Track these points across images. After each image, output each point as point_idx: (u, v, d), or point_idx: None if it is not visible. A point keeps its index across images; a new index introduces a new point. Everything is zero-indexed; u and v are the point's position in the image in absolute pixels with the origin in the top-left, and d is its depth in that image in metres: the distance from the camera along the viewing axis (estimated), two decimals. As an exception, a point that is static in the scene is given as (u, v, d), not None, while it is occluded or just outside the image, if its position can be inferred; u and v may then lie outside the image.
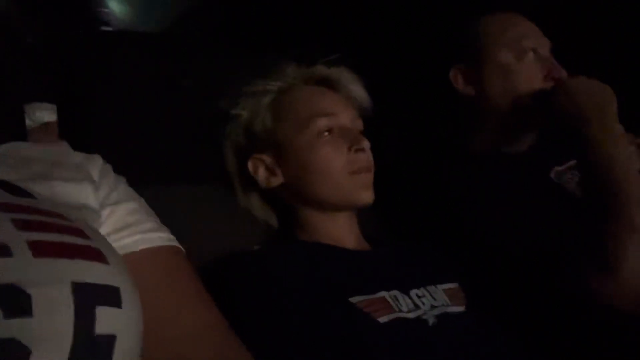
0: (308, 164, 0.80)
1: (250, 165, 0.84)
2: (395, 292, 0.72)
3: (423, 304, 0.72)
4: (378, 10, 1.28)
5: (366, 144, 0.81)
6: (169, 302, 0.53)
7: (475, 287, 0.81)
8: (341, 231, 0.82)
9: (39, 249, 0.37)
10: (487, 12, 1.00)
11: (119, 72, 0.84)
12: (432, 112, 1.12)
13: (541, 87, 0.93)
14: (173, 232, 0.59)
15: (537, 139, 1.01)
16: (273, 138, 0.83)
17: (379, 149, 0.85)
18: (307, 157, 0.80)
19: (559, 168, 0.96)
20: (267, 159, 0.83)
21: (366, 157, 0.81)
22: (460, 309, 0.76)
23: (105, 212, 0.54)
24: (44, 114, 1.11)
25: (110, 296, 0.39)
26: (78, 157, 0.58)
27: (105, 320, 0.37)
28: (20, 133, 0.80)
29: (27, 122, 0.89)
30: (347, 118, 0.83)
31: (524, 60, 0.95)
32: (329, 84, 0.86)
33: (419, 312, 0.71)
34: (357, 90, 0.87)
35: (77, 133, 0.78)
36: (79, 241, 0.40)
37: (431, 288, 0.76)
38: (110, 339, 0.38)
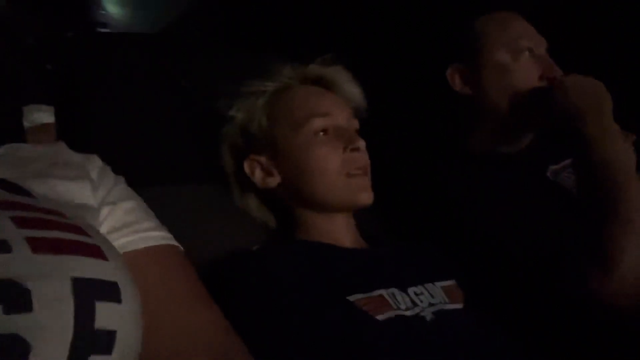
0: (304, 164, 0.80)
1: (246, 166, 0.84)
2: (393, 290, 0.72)
3: (421, 301, 0.72)
4: (375, 10, 1.29)
5: (362, 143, 0.81)
6: (168, 301, 0.53)
7: (473, 285, 0.81)
8: (339, 230, 0.82)
9: (38, 245, 0.37)
10: (484, 12, 1.01)
11: (118, 73, 0.84)
12: (429, 112, 1.12)
13: (537, 86, 0.94)
14: (172, 232, 0.59)
15: (533, 138, 1.01)
16: (269, 138, 0.83)
17: (375, 148, 0.85)
18: (303, 157, 0.80)
19: (555, 167, 0.97)
20: (264, 159, 0.83)
21: (362, 157, 0.81)
22: (458, 306, 0.76)
23: (104, 211, 0.54)
24: (41, 115, 1.12)
25: (110, 291, 0.39)
26: (77, 157, 0.59)
27: (105, 315, 0.38)
28: (18, 134, 0.80)
29: (25, 123, 0.89)
30: (342, 118, 0.83)
31: (520, 59, 0.95)
32: (324, 83, 0.86)
33: (416, 310, 0.71)
34: (353, 90, 0.87)
35: (76, 134, 0.78)
36: (78, 238, 0.41)
37: (429, 285, 0.76)
38: (110, 334, 0.38)
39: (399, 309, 0.70)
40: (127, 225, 0.54)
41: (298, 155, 0.80)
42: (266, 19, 1.25)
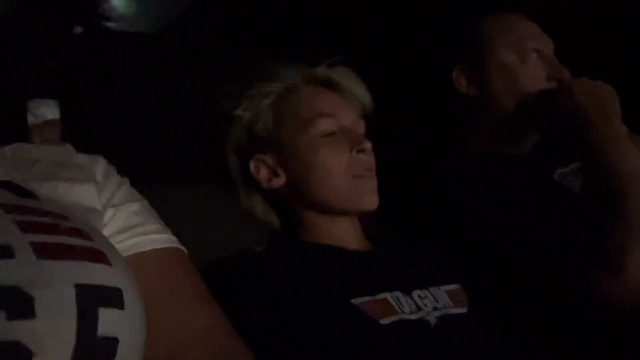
0: (309, 164, 0.80)
1: (252, 165, 0.84)
2: (397, 293, 0.72)
3: (425, 305, 0.72)
4: (380, 11, 1.28)
5: (368, 145, 0.80)
6: (172, 304, 0.53)
7: (477, 288, 0.81)
8: (343, 232, 0.82)
9: (42, 251, 0.37)
10: (490, 13, 1.00)
11: (121, 72, 0.84)
12: (433, 112, 1.11)
13: (544, 88, 0.93)
14: (175, 234, 0.59)
15: (540, 140, 1.00)
16: (275, 139, 0.83)
17: (379, 149, 0.84)
18: (309, 158, 0.80)
19: (562, 170, 0.96)
20: (269, 159, 0.83)
21: (368, 159, 0.81)
22: (462, 310, 0.76)
23: (108, 214, 0.54)
24: (46, 110, 1.12)
25: (113, 298, 0.39)
26: (82, 158, 0.58)
27: (108, 322, 0.37)
28: (23, 130, 0.80)
29: (30, 118, 0.89)
30: (349, 119, 0.83)
31: (527, 60, 0.94)
32: (331, 85, 0.86)
33: (421, 314, 0.70)
34: (359, 92, 0.87)
35: (80, 134, 0.78)
36: (82, 243, 0.40)
37: (433, 289, 0.76)
38: (113, 341, 0.38)
39: (403, 312, 0.69)
40: (131, 227, 0.54)
41: (304, 156, 0.80)
42: (269, 20, 1.25)
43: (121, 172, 0.61)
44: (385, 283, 0.73)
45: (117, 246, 0.48)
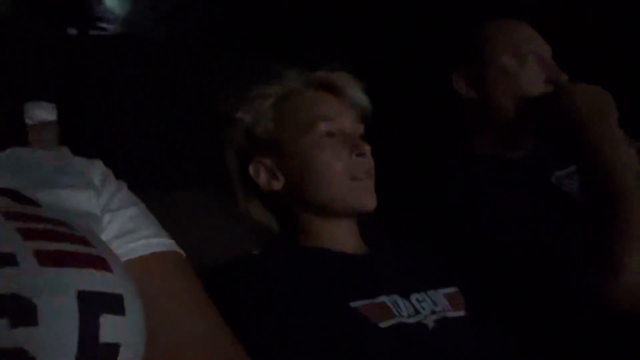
0: (309, 167, 0.80)
1: (251, 168, 0.84)
2: (395, 297, 0.72)
3: (423, 308, 0.72)
4: (380, 15, 1.28)
5: (367, 148, 0.81)
6: (171, 308, 0.53)
7: (476, 291, 0.81)
8: (341, 236, 0.82)
9: (44, 258, 0.37)
10: (490, 18, 1.01)
11: (120, 76, 0.83)
12: (434, 116, 1.12)
13: (542, 92, 0.94)
14: (174, 238, 0.59)
15: (538, 144, 1.01)
16: (274, 141, 0.83)
17: (379, 151, 0.85)
18: (308, 161, 0.80)
19: (560, 173, 0.97)
20: (269, 162, 0.83)
21: (367, 162, 0.81)
22: (460, 313, 0.76)
23: (105, 218, 0.54)
24: (43, 112, 1.11)
25: (115, 304, 0.39)
26: (80, 162, 0.58)
27: (110, 328, 0.37)
28: (20, 132, 0.79)
29: (27, 120, 0.89)
30: (348, 123, 0.83)
31: (525, 64, 0.95)
32: (330, 88, 0.86)
33: (419, 317, 0.71)
34: (359, 95, 0.87)
35: (77, 137, 0.78)
36: (84, 249, 0.40)
37: (431, 292, 0.76)
38: (114, 348, 0.38)
39: (401, 316, 0.70)
40: (129, 232, 0.54)
41: (303, 159, 0.80)
42: (271, 22, 1.25)
43: (118, 175, 0.61)
44: (384, 286, 0.73)
45: (116, 251, 0.48)
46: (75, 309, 0.36)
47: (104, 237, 0.52)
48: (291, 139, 0.82)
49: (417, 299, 0.73)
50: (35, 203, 0.46)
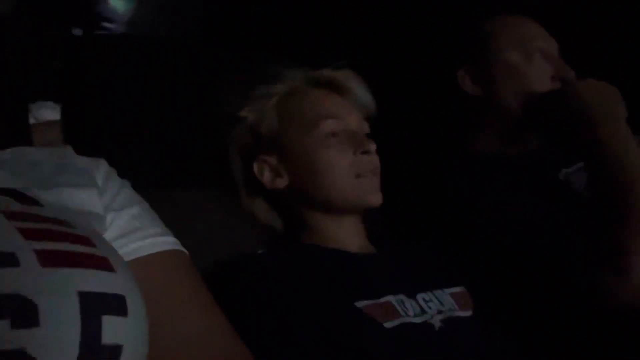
0: (313, 165, 0.80)
1: (255, 167, 0.84)
2: (401, 296, 0.71)
3: (430, 308, 0.72)
4: (384, 13, 1.28)
5: (372, 146, 0.81)
6: (174, 307, 0.53)
7: (482, 290, 0.80)
8: (347, 234, 0.81)
9: (46, 258, 0.37)
10: (495, 14, 1.00)
11: (123, 76, 0.83)
12: (437, 113, 1.11)
13: (549, 88, 0.93)
14: (177, 237, 0.59)
15: (545, 140, 1.00)
16: (279, 140, 0.83)
17: (383, 149, 0.84)
18: (313, 159, 0.80)
19: (567, 170, 0.96)
20: (273, 160, 0.83)
21: (372, 160, 0.81)
22: (467, 313, 0.75)
23: (109, 217, 0.53)
24: (47, 112, 1.11)
25: (117, 305, 0.39)
26: (83, 161, 0.58)
27: (112, 329, 0.37)
28: (24, 132, 0.79)
29: (31, 120, 0.89)
30: (353, 121, 0.83)
31: (532, 61, 0.94)
32: (335, 87, 0.85)
33: (425, 317, 0.70)
34: (363, 93, 0.87)
35: (81, 137, 0.78)
36: (86, 249, 0.40)
37: (438, 292, 0.75)
38: (116, 349, 0.37)
39: (407, 315, 0.69)
40: (132, 231, 0.54)
41: (307, 157, 0.80)
42: (275, 21, 1.24)
43: (121, 175, 0.61)
44: (389, 286, 0.72)
45: (118, 250, 0.48)
46: (77, 309, 0.36)
47: (107, 236, 0.51)
48: (296, 138, 0.81)
49: (423, 299, 0.73)
50: (37, 203, 0.45)
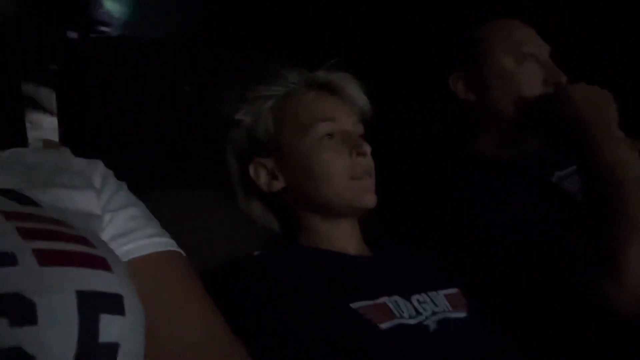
0: (309, 168, 0.80)
1: (251, 169, 0.84)
2: (396, 298, 0.72)
3: (424, 309, 0.72)
4: (379, 16, 1.29)
5: (367, 148, 0.81)
6: (171, 308, 0.53)
7: (477, 292, 0.81)
8: (343, 236, 0.82)
9: (44, 258, 0.37)
10: (487, 19, 1.01)
11: (121, 77, 0.84)
12: (433, 117, 1.12)
13: (541, 92, 0.94)
14: (174, 238, 0.59)
15: (538, 144, 1.01)
16: (275, 142, 0.83)
17: (380, 152, 0.85)
18: (308, 162, 0.80)
19: (560, 173, 0.96)
20: (269, 163, 0.83)
21: (367, 162, 0.81)
22: (461, 314, 0.76)
23: (105, 218, 0.54)
24: (44, 114, 1.11)
25: (114, 304, 0.39)
26: (80, 163, 0.58)
27: (109, 328, 0.38)
28: (21, 133, 0.80)
29: (28, 122, 0.89)
30: (348, 123, 0.83)
31: (524, 65, 0.95)
32: (330, 89, 0.86)
33: (420, 318, 0.71)
34: (359, 96, 0.87)
35: (78, 138, 0.78)
36: (84, 249, 0.40)
37: (432, 293, 0.76)
38: (113, 347, 0.38)
39: (402, 317, 0.70)
40: (129, 232, 0.54)
41: (303, 159, 0.81)
42: (270, 23, 1.25)
43: (119, 176, 0.61)
44: (385, 287, 0.73)
45: (115, 251, 0.48)
46: (75, 308, 0.36)
47: (104, 236, 0.52)
48: (291, 140, 0.82)
49: (418, 300, 0.73)
50: (35, 203, 0.46)
